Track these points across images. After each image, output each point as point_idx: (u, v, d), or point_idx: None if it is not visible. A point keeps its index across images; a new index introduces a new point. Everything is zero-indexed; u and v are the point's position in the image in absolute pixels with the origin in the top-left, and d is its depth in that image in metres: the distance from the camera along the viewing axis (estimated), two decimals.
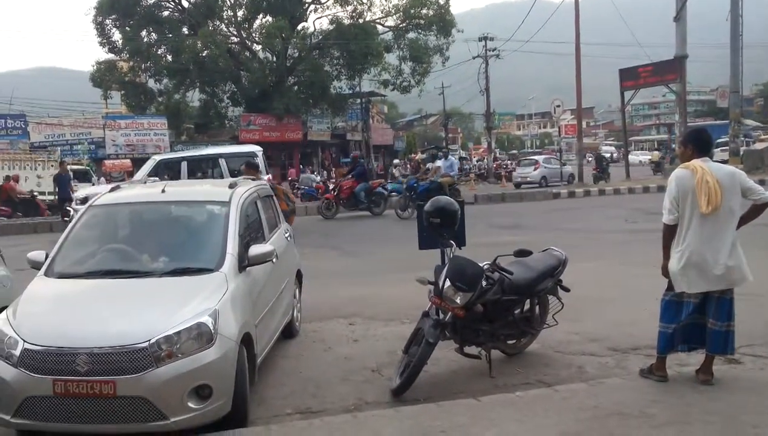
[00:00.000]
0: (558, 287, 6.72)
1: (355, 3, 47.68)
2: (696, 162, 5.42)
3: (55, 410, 4.68)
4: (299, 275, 8.37)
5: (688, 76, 35.41)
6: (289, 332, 7.71)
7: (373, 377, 6.43)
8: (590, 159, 45.72)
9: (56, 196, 24.97)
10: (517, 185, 37.06)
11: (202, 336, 4.84)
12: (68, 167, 26.78)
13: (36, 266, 5.94)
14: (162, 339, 4.72)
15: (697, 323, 5.49)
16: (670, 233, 5.50)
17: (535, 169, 38.03)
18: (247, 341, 5.36)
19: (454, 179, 22.07)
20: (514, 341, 6.70)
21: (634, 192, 29.14)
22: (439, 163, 22.11)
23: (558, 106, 39.22)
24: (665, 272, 5.58)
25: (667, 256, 5.56)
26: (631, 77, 37.82)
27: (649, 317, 6.55)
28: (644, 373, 5.76)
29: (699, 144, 5.58)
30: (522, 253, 6.54)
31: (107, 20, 45.96)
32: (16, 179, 27.20)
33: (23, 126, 40.84)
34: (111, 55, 47.74)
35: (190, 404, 4.73)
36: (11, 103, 44.33)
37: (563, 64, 48.60)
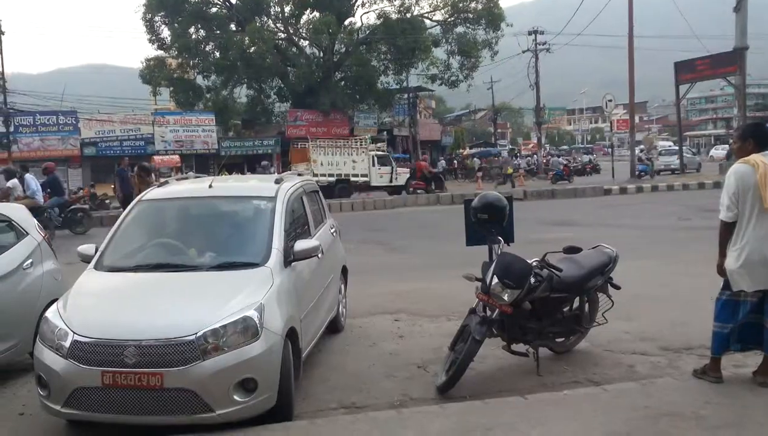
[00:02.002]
0: (608, 284, 6.58)
1: None
2: (756, 157, 5.23)
3: (103, 401, 4.75)
4: (345, 271, 8.36)
5: (747, 68, 34.39)
6: (334, 327, 7.73)
7: (418, 373, 6.39)
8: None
9: (119, 192, 24.74)
10: (658, 172, 38.80)
11: (247, 330, 4.86)
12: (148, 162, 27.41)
13: (86, 259, 6.03)
14: (209, 332, 4.76)
15: (754, 322, 5.31)
16: (728, 230, 5.31)
17: (677, 158, 40.87)
18: (292, 335, 5.37)
19: (36, 202, 17.17)
20: (562, 339, 6.60)
21: (689, 188, 28.59)
22: (11, 183, 17.24)
23: (610, 100, 38.72)
24: (721, 271, 5.40)
25: (723, 254, 5.36)
26: (687, 70, 37.18)
27: (702, 316, 6.39)
28: (698, 374, 5.59)
29: (759, 138, 5.38)
30: (571, 250, 6.47)
31: (156, 17, 46.76)
32: (425, 160, 29.59)
33: (74, 122, 41.75)
34: (160, 52, 48.56)
35: (236, 397, 4.76)
36: (62, 100, 45.29)
37: (616, 57, 47.75)
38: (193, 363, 4.67)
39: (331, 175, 31.49)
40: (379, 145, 37.33)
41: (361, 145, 34.09)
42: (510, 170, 36.43)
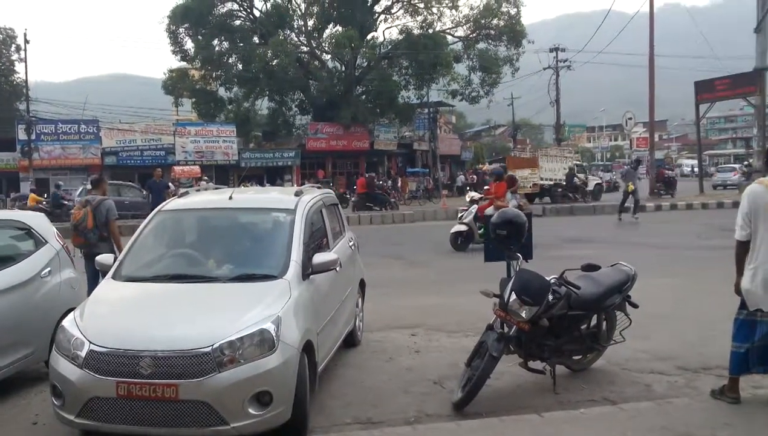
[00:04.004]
0: (626, 302, 6.55)
1: (425, 13, 47.95)
2: None
3: (117, 411, 4.73)
4: (362, 284, 8.34)
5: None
6: (351, 341, 7.70)
7: (434, 389, 6.35)
8: None
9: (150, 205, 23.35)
10: (716, 187, 39.54)
11: (264, 343, 4.85)
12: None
13: (105, 269, 6.05)
14: (225, 344, 4.74)
15: None
16: (743, 249, 5.37)
17: (734, 174, 42.02)
18: (308, 348, 5.35)
19: None
20: (579, 357, 6.57)
21: (708, 207, 28.38)
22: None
23: (630, 118, 38.78)
24: (738, 290, 5.42)
25: (740, 273, 5.40)
26: (707, 90, 37.47)
27: (720, 335, 6.35)
28: (716, 394, 5.56)
29: None
30: (590, 267, 6.43)
31: (180, 29, 47.18)
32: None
33: (96, 131, 42.04)
34: (183, 63, 48.92)
35: (251, 411, 4.73)
36: (84, 109, 45.65)
37: (636, 75, 47.72)
38: (209, 375, 4.65)
39: (549, 179, 34.60)
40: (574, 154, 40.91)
41: (567, 153, 38.01)
42: (631, 187, 24.36)
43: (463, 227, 16.76)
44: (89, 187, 11.00)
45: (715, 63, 40.59)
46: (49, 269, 7.01)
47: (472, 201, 17.34)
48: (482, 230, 15.77)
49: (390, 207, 31.23)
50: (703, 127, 66.15)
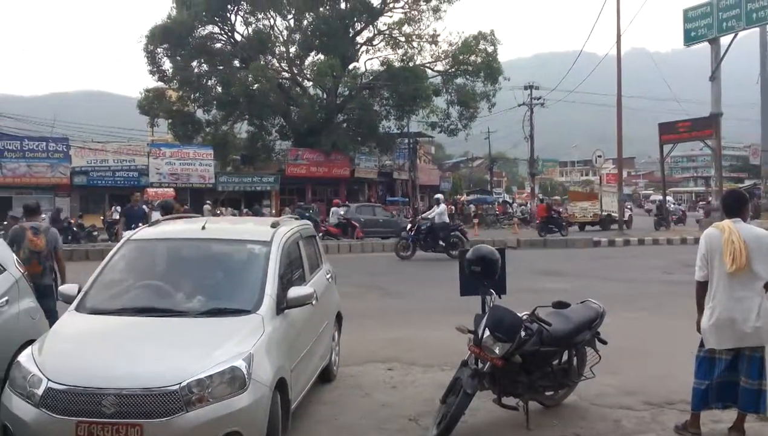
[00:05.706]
0: (595, 339, 6.67)
1: (406, 47, 48.54)
2: (726, 222, 5.60)
3: None
4: (339, 317, 8.16)
5: (723, 132, 37.06)
6: (326, 376, 7.50)
7: (409, 426, 6.26)
8: None
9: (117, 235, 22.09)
10: (698, 221, 40.66)
11: (234, 381, 4.67)
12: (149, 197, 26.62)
13: (68, 299, 5.76)
14: (193, 383, 4.55)
15: (732, 381, 5.51)
16: (702, 288, 5.66)
17: None
18: (281, 386, 5.18)
19: None
20: (551, 393, 6.63)
21: (673, 243, 28.87)
22: None
23: (599, 156, 40.42)
24: (699, 328, 5.68)
25: (700, 312, 5.67)
26: (670, 131, 39.74)
27: (684, 370, 6.58)
28: (679, 429, 5.77)
29: (725, 206, 5.84)
30: (560, 304, 6.58)
31: (158, 49, 46.71)
32: None
33: (65, 150, 40.33)
34: (160, 84, 48.37)
35: None
36: (53, 126, 44.29)
37: (606, 113, 48.94)
38: (176, 415, 4.45)
39: (605, 210, 38.97)
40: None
41: (609, 189, 42.45)
42: None
43: None
44: (22, 212, 9.70)
45: (677, 105, 42.54)
46: (6, 298, 6.48)
47: None
48: None
49: (565, 231, 33.31)
50: (668, 166, 68.59)
